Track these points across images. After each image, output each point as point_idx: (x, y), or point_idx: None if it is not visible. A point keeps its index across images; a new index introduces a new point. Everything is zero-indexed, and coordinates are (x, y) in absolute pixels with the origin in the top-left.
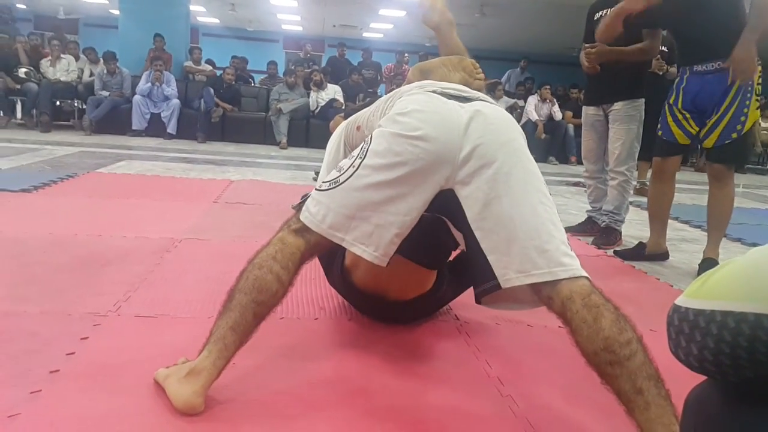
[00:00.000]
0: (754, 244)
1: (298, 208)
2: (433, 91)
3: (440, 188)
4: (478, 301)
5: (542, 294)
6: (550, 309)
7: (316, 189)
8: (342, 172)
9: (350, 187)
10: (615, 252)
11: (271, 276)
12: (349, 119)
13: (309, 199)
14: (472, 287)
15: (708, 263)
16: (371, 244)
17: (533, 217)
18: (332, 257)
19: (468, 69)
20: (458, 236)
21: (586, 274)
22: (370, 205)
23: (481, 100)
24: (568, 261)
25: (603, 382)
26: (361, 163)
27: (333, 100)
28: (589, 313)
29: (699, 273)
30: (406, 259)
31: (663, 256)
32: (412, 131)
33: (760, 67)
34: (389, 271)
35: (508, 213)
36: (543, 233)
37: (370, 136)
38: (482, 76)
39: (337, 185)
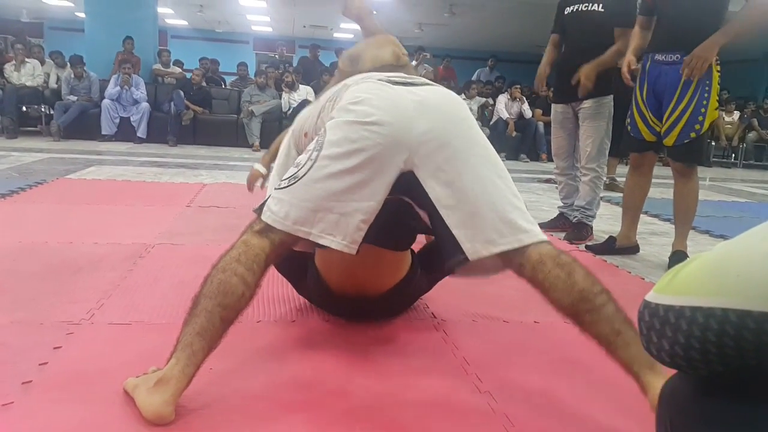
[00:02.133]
0: (722, 236)
1: (259, 210)
2: (379, 80)
3: (400, 171)
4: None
5: (513, 262)
6: (520, 275)
7: (275, 188)
8: (300, 167)
9: (310, 180)
10: (587, 247)
11: (235, 278)
12: (293, 128)
13: (269, 199)
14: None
15: (678, 256)
16: (338, 234)
17: (494, 190)
18: (302, 270)
19: (395, 42)
20: (424, 216)
21: (547, 239)
22: (333, 194)
23: (426, 84)
24: (530, 227)
25: (582, 330)
26: (318, 155)
27: (305, 101)
28: (563, 270)
29: (669, 266)
30: (375, 246)
31: (633, 249)
32: (366, 117)
33: (718, 67)
34: (363, 264)
35: (470, 188)
36: (505, 204)
37: (323, 129)
38: (405, 51)
39: (297, 180)
